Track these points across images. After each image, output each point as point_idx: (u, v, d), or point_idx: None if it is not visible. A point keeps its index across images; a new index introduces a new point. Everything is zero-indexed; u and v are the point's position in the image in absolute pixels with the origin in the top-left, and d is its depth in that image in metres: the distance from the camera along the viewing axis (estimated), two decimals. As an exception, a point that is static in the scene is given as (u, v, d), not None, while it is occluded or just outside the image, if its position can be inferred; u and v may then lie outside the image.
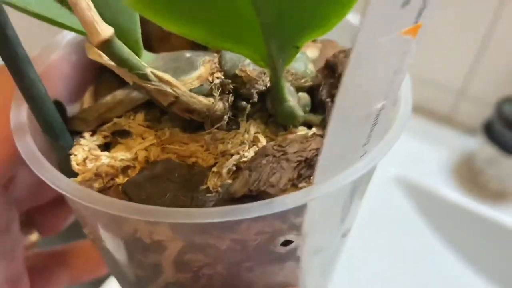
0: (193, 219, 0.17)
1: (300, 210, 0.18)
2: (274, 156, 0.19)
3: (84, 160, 0.22)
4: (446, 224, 0.68)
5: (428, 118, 0.79)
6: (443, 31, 0.70)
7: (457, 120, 0.79)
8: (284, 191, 0.19)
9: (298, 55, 0.22)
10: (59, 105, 0.23)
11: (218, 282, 0.21)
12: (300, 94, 0.23)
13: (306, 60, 0.25)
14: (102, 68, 0.22)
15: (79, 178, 0.21)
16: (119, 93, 0.23)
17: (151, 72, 0.19)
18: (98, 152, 0.22)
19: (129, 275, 0.24)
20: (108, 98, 0.23)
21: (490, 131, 0.67)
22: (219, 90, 0.22)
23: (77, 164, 0.22)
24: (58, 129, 0.21)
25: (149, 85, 0.20)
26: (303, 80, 0.23)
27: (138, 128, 0.23)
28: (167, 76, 0.20)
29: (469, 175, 0.71)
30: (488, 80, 0.72)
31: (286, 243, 0.20)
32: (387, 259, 0.64)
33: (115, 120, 0.23)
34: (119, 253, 0.22)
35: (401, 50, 0.16)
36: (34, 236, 0.31)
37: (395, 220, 0.68)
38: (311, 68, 0.25)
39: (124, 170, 0.22)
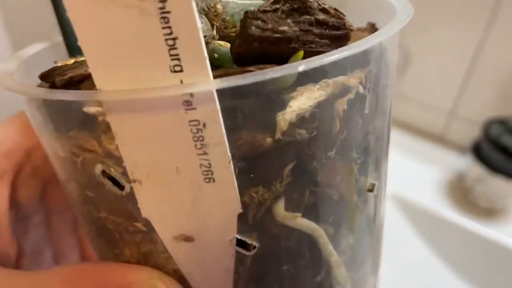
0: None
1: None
2: None
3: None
4: (439, 240, 0.63)
5: (421, 138, 0.75)
6: (433, 54, 0.68)
7: (449, 140, 0.74)
8: None
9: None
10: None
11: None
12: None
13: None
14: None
15: None
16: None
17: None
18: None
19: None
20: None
21: (478, 151, 0.63)
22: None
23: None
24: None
25: None
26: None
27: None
28: None
29: (460, 193, 0.66)
30: (477, 101, 0.68)
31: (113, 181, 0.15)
32: (381, 275, 0.58)
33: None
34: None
35: None
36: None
37: (390, 236, 0.63)
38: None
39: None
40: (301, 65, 0.13)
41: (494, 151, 0.60)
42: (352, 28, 0.15)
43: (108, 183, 0.15)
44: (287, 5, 0.14)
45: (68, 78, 0.15)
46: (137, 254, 0.17)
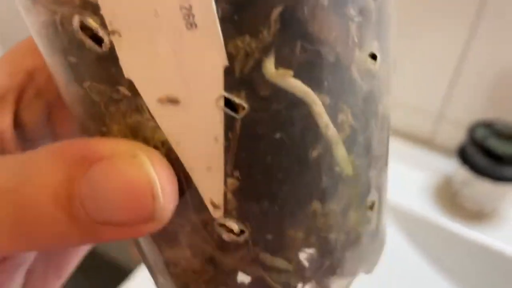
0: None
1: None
2: None
3: None
4: (426, 243, 0.62)
5: (409, 142, 0.74)
6: (419, 57, 0.67)
7: (436, 144, 0.74)
8: None
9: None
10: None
11: None
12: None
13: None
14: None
15: None
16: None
17: None
18: None
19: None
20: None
21: (464, 155, 0.62)
22: None
23: None
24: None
25: None
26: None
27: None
28: None
29: (447, 196, 0.65)
30: (464, 104, 0.68)
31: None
32: (368, 280, 0.57)
33: None
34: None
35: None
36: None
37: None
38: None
39: None
40: None
41: (479, 154, 0.59)
42: None
43: (87, 40, 0.14)
44: None
45: None
46: (124, 129, 0.16)
